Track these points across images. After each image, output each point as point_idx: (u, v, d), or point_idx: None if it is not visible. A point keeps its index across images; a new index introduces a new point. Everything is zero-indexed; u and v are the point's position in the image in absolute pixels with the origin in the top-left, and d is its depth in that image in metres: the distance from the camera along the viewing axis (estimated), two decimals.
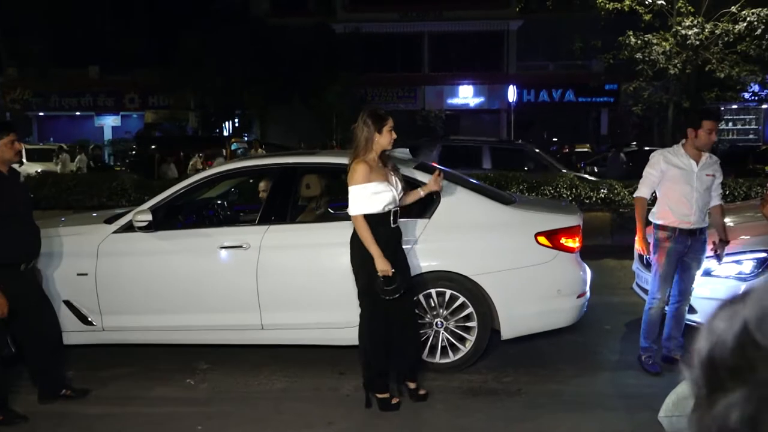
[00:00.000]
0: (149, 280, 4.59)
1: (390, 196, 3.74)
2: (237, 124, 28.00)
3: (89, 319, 4.62)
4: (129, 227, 4.60)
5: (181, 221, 5.07)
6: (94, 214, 5.79)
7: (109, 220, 4.84)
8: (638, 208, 4.45)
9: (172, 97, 24.30)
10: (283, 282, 4.48)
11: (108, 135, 29.86)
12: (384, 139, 3.79)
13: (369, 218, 3.73)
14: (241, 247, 4.48)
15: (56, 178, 10.75)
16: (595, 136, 28.03)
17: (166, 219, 4.76)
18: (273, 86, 21.74)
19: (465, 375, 4.42)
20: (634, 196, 4.53)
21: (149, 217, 4.50)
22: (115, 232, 4.65)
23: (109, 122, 30.22)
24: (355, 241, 3.78)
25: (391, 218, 3.79)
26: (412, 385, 4.02)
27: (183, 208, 5.18)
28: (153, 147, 13.68)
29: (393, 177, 3.85)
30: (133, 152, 20.78)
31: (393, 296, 3.73)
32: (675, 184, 4.30)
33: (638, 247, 4.53)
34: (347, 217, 5.65)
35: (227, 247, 4.51)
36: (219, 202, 5.81)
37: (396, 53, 29.53)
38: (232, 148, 13.79)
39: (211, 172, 4.98)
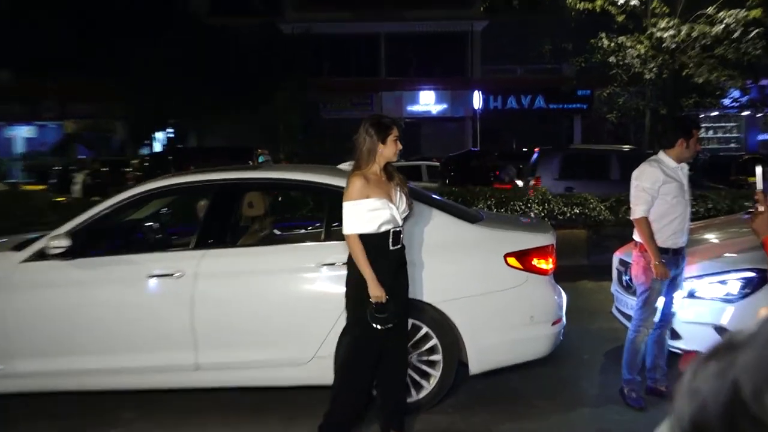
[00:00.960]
0: (66, 317, 4.42)
1: (387, 214, 3.70)
2: (173, 135, 27.58)
3: None
4: (42, 255, 4.44)
5: (103, 247, 4.92)
6: (2, 240, 5.57)
7: (19, 247, 4.65)
8: (645, 229, 4.29)
9: (95, 105, 23.81)
10: (223, 315, 4.37)
11: (20, 147, 28.99)
12: (389, 150, 3.77)
13: (363, 239, 3.69)
14: (172, 275, 4.36)
15: None
16: (568, 145, 28.66)
17: (86, 245, 4.60)
18: (211, 93, 21.52)
19: (429, 415, 4.37)
20: (635, 217, 4.36)
21: (66, 242, 4.35)
22: (25, 260, 4.47)
23: (21, 133, 29.40)
24: (351, 263, 3.75)
25: (390, 239, 3.74)
26: None
27: (106, 231, 5.04)
28: (170, 158, 13.66)
29: (398, 193, 3.82)
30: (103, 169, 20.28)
31: (385, 325, 3.70)
32: (672, 198, 4.31)
33: (659, 272, 4.26)
34: (295, 239, 5.61)
35: (157, 275, 4.39)
36: (148, 224, 5.67)
37: (351, 56, 29.75)
38: (260, 160, 13.60)
39: (139, 189, 4.85)
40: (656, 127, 14.93)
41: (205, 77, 21.20)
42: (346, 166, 4.60)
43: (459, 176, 16.56)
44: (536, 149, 13.33)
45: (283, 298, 4.36)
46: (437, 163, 18.68)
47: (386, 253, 3.74)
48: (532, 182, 11.44)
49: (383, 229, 3.71)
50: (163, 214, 6.19)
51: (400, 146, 3.83)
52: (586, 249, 9.04)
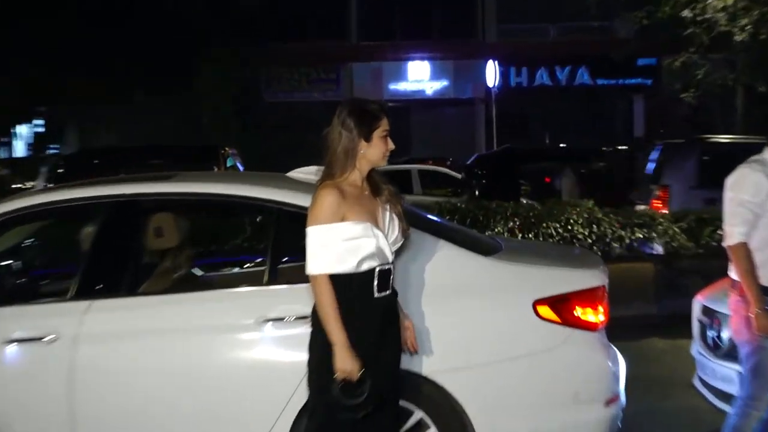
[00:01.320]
0: None
1: (371, 245, 3.69)
2: (43, 130, 27.53)
3: None
4: None
5: None
6: None
7: None
8: (743, 260, 4.31)
9: None
10: (117, 397, 4.37)
11: None
12: (375, 151, 3.78)
13: (335, 281, 3.66)
14: (42, 339, 4.34)
15: None
16: (627, 137, 28.84)
17: None
18: (103, 70, 21.55)
19: None
20: (730, 243, 4.39)
21: None
22: None
23: None
24: (317, 317, 3.74)
25: (375, 282, 3.73)
26: None
27: None
28: (95, 162, 14.24)
29: (387, 214, 3.83)
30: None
31: (358, 414, 3.67)
32: None
33: (761, 325, 4.25)
34: (226, 283, 5.59)
35: (18, 340, 4.38)
36: (5, 263, 5.64)
37: (307, 11, 29.85)
38: (228, 164, 13.72)
39: None
40: (753, 110, 15.11)
41: (89, 44, 21.22)
42: (305, 174, 4.60)
43: (493, 185, 16.48)
44: (658, 143, 13.16)
45: (207, 370, 4.35)
46: (448, 171, 18.70)
47: (369, 301, 3.73)
48: (657, 193, 11.39)
49: (365, 266, 3.70)
50: (28, 247, 6.16)
51: (391, 145, 3.84)
52: (655, 292, 9.10)
